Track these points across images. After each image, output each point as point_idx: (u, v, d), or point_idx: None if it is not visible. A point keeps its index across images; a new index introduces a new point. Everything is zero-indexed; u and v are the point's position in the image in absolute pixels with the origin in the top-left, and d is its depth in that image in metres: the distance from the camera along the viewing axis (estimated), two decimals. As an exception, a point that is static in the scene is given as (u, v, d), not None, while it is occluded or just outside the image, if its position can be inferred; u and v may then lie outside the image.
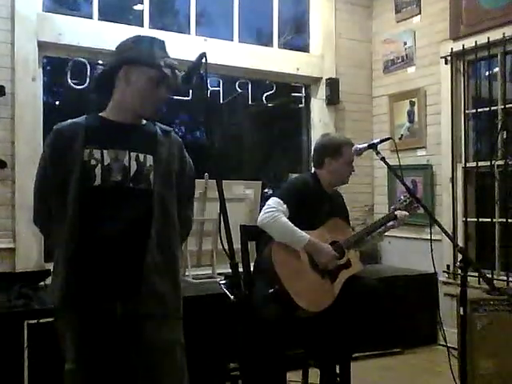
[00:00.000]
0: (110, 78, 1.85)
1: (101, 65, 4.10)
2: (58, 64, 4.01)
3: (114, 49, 3.97)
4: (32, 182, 3.61)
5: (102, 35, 3.89)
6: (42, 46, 3.73)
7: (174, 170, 1.88)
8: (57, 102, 4.45)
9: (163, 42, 1.89)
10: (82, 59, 3.95)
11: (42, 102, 3.80)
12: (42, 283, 3.25)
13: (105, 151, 1.77)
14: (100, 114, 1.88)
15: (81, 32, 3.84)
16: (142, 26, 4.16)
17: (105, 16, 4.02)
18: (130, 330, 1.76)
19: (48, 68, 4.07)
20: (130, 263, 1.76)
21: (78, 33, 3.83)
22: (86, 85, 3.96)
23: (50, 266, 3.37)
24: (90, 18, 3.99)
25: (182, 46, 4.11)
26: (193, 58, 1.75)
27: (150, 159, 1.83)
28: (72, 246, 1.71)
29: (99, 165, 1.75)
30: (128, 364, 1.78)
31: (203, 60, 1.71)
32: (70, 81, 3.94)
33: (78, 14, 4.00)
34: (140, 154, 1.82)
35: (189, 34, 4.37)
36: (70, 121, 1.85)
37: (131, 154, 1.80)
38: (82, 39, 3.84)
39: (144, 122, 1.92)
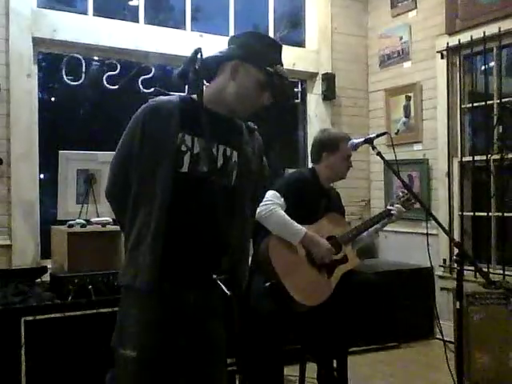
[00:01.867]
0: (215, 64, 1.79)
1: (96, 61, 4.10)
2: (53, 60, 4.00)
3: (109, 45, 4.00)
4: (28, 180, 3.61)
5: (98, 31, 3.88)
6: (37, 42, 3.72)
7: (254, 169, 1.85)
8: (52, 99, 4.44)
9: (280, 46, 1.85)
10: (78, 55, 3.93)
11: (37, 99, 3.78)
12: (38, 280, 3.25)
13: (195, 139, 1.72)
14: (193, 97, 1.79)
15: (76, 28, 3.82)
16: (137, 21, 4.15)
17: (100, 12, 4.00)
18: (196, 321, 1.75)
19: (43, 64, 4.06)
20: (210, 258, 1.74)
21: (73, 29, 3.81)
22: (81, 81, 3.95)
23: (47, 263, 3.43)
24: (85, 13, 3.97)
25: (177, 42, 4.12)
26: (188, 53, 1.74)
27: (235, 155, 1.80)
28: (162, 229, 1.67)
29: (189, 152, 1.71)
30: (185, 355, 1.77)
31: (198, 56, 1.70)
32: (65, 77, 3.92)
33: (73, 10, 3.99)
34: (227, 149, 1.78)
35: (184, 29, 4.36)
36: (165, 98, 1.78)
37: (219, 146, 1.76)
38: (78, 35, 3.83)
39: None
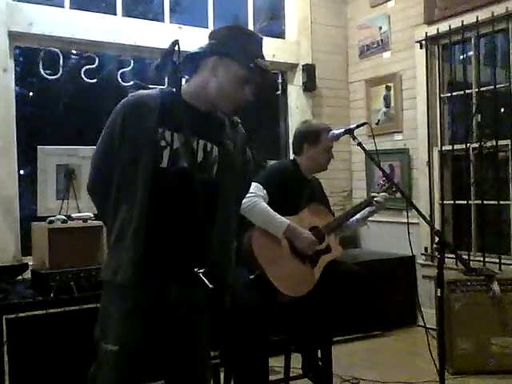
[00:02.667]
0: (196, 60, 1.79)
1: (74, 54, 4.05)
2: (29, 54, 3.94)
3: (86, 38, 3.94)
4: (6, 176, 3.56)
5: (75, 24, 3.83)
6: (12, 36, 3.65)
7: (236, 163, 1.85)
8: (30, 93, 4.37)
9: (261, 38, 1.84)
10: (55, 49, 3.88)
11: (14, 94, 3.72)
12: (19, 277, 3.21)
13: (175, 134, 1.72)
14: (174, 91, 1.79)
15: (52, 21, 3.76)
16: (115, 14, 4.10)
17: (77, 4, 3.94)
18: (178, 316, 1.75)
19: (20, 59, 4.00)
20: (192, 252, 1.74)
21: (49, 22, 3.75)
22: (59, 75, 3.90)
23: (28, 260, 3.39)
24: (62, 6, 3.91)
25: (156, 34, 4.08)
26: (167, 46, 1.73)
27: (215, 150, 1.79)
28: (143, 225, 1.67)
29: (168, 147, 1.71)
30: (168, 347, 1.78)
31: (176, 48, 1.68)
32: (42, 71, 3.87)
33: (49, 3, 3.92)
34: (208, 143, 1.78)
35: (163, 21, 4.32)
36: (145, 93, 1.77)
37: (200, 141, 1.76)
38: (54, 28, 3.77)
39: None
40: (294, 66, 4.88)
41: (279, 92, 4.95)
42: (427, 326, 2.73)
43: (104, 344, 1.70)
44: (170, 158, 1.71)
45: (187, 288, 1.74)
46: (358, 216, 3.01)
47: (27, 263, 3.31)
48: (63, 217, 3.28)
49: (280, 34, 4.96)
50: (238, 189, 1.90)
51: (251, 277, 2.60)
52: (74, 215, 3.33)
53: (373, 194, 3.02)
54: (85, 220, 3.28)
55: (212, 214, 1.76)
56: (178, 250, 1.72)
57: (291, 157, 3.10)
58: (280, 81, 4.93)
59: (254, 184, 2.76)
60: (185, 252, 1.73)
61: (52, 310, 2.90)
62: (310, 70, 4.82)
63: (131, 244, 1.67)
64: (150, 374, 1.75)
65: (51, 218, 3.23)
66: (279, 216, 2.69)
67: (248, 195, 2.68)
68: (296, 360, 3.04)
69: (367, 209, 3.00)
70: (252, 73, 1.73)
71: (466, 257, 4.03)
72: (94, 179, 1.83)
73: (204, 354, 1.84)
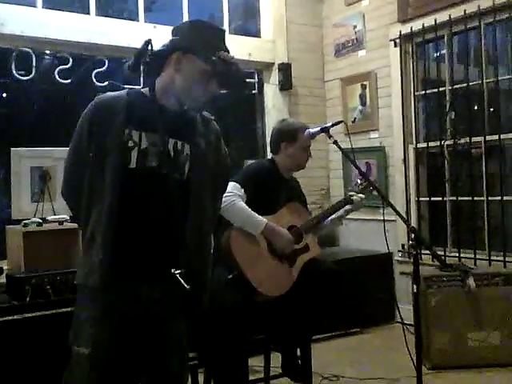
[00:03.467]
0: (161, 58, 1.77)
1: (48, 54, 3.99)
2: (1, 55, 3.86)
3: (59, 38, 3.88)
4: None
5: (47, 24, 3.77)
6: (-17, 36, 3.60)
7: (209, 161, 1.83)
8: (3, 95, 4.30)
9: (223, 31, 1.82)
10: (27, 49, 3.82)
11: (-14, 95, 3.67)
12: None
13: (143, 134, 1.70)
14: (142, 91, 1.79)
15: (24, 21, 3.70)
16: (88, 13, 4.05)
17: (49, 4, 3.89)
18: (152, 318, 1.74)
19: (-8, 59, 3.93)
20: (164, 252, 1.73)
21: (21, 21, 3.69)
22: (32, 75, 3.84)
23: (2, 264, 3.33)
24: (34, 6, 3.85)
25: (131, 34, 4.05)
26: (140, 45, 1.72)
27: (187, 148, 1.78)
28: (112, 227, 1.66)
29: (136, 148, 1.69)
30: (143, 349, 1.77)
31: (149, 47, 1.67)
32: (15, 72, 3.81)
33: (21, 2, 3.85)
34: (178, 142, 1.76)
35: (138, 21, 4.28)
36: (111, 94, 1.76)
37: (169, 140, 1.74)
38: (26, 28, 3.71)
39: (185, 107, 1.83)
40: (269, 65, 4.89)
41: (255, 91, 4.95)
42: (405, 322, 2.76)
43: (76, 347, 1.69)
44: (139, 159, 1.70)
45: (159, 289, 1.73)
46: (334, 215, 3.03)
47: (2, 267, 3.25)
48: (38, 220, 3.23)
49: (256, 33, 4.96)
50: (214, 186, 1.88)
51: (229, 276, 2.60)
52: (49, 218, 3.28)
53: (350, 194, 3.04)
54: (61, 222, 3.23)
55: (185, 213, 1.74)
56: (148, 251, 1.71)
57: (269, 156, 3.10)
58: (256, 80, 4.94)
59: (231, 183, 2.75)
60: (156, 253, 1.72)
61: (28, 315, 2.86)
62: (285, 69, 4.83)
63: (100, 247, 1.66)
64: (127, 378, 1.74)
65: (26, 221, 3.18)
66: (257, 215, 2.69)
67: (226, 195, 2.67)
68: (275, 359, 3.05)
69: (344, 208, 3.02)
70: (216, 66, 1.72)
71: (441, 253, 4.08)
72: (66, 183, 1.82)
73: (180, 355, 1.82)
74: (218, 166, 1.89)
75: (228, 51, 1.76)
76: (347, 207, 3.01)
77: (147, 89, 1.78)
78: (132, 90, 1.80)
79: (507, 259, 3.76)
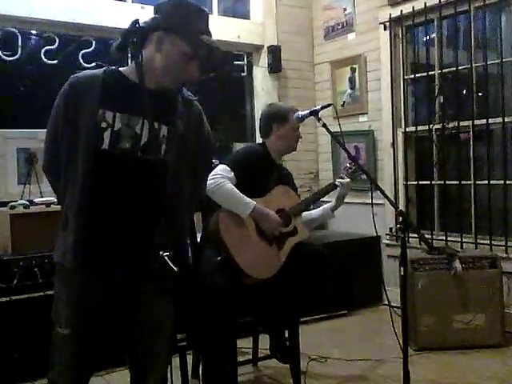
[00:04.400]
0: (143, 36, 1.72)
1: (34, 35, 3.93)
2: (-14, 35, 3.80)
3: (45, 17, 3.82)
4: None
5: (32, 3, 3.71)
6: (-33, 15, 3.53)
7: (189, 142, 1.80)
8: (-12, 76, 4.24)
9: (207, 14, 1.79)
10: (13, 29, 3.76)
11: (-29, 76, 3.61)
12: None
13: (118, 115, 1.67)
14: (121, 70, 1.76)
15: (9, 0, 3.64)
16: (75, -8, 3.99)
17: (35, -18, 3.82)
18: (130, 298, 1.74)
19: (-24, 40, 3.86)
20: (138, 237, 1.72)
21: (6, 1, 3.62)
22: (18, 56, 3.79)
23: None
24: (19, -15, 3.79)
25: (118, 14, 4.00)
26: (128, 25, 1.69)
27: (164, 129, 1.74)
28: (83, 209, 1.65)
29: (109, 129, 1.67)
30: (124, 328, 1.78)
31: (137, 27, 1.65)
32: (0, 52, 3.75)
33: (5, -19, 3.79)
34: (154, 123, 1.72)
35: (125, 1, 4.23)
36: (87, 73, 1.74)
37: (145, 121, 1.71)
38: (11, 8, 3.64)
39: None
40: (259, 48, 4.85)
41: (244, 73, 4.92)
42: (392, 305, 2.80)
43: (58, 328, 1.71)
44: (111, 140, 1.67)
45: (137, 271, 1.73)
46: (326, 207, 3.04)
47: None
48: (25, 202, 3.21)
49: (245, 15, 4.91)
50: (196, 166, 1.86)
51: (218, 258, 2.60)
52: (36, 200, 3.26)
53: (340, 180, 3.03)
54: (48, 205, 3.22)
55: (160, 194, 1.72)
56: (121, 233, 1.70)
57: (258, 139, 3.09)
58: (245, 62, 4.91)
59: (221, 166, 2.75)
60: (129, 235, 1.71)
61: (16, 297, 2.86)
62: (275, 52, 4.80)
63: (72, 228, 1.66)
64: (113, 360, 1.76)
65: (13, 204, 3.16)
66: (245, 197, 2.69)
67: (214, 177, 2.67)
68: (264, 341, 3.07)
69: (334, 198, 3.02)
70: (197, 49, 1.70)
71: (429, 236, 4.12)
72: (46, 162, 1.82)
73: (162, 335, 1.82)
74: (201, 147, 1.87)
75: (211, 35, 1.74)
76: (340, 192, 3.00)
77: (126, 68, 1.76)
78: (109, 69, 1.76)
79: (493, 242, 3.80)
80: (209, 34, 1.74)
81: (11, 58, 3.79)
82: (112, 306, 1.73)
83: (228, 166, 2.74)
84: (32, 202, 3.24)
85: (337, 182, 3.00)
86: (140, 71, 1.69)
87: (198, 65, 1.73)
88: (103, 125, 1.66)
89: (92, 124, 1.65)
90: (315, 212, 3.09)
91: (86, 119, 1.66)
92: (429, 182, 4.26)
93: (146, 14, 4.03)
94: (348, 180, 2.99)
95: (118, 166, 1.69)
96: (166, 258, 1.56)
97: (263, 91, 4.86)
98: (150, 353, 1.80)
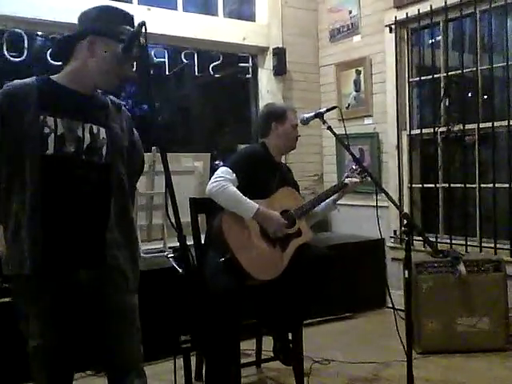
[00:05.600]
0: (71, 44, 1.79)
1: (40, 36, 3.95)
2: (-8, 36, 3.82)
3: (51, 19, 3.83)
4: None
5: (39, 4, 3.72)
6: (-26, 16, 3.55)
7: (124, 144, 1.87)
8: (-6, 76, 4.26)
9: (132, 16, 1.84)
10: (19, 30, 3.78)
11: (-23, 76, 3.63)
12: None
13: (59, 120, 1.71)
14: (52, 78, 1.80)
15: (17, 1, 3.65)
16: (81, -6, 4.00)
17: (41, -16, 3.84)
18: (94, 297, 1.77)
19: (-17, 41, 3.88)
20: (91, 237, 1.77)
21: (13, 2, 3.64)
22: (24, 57, 3.80)
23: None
24: (26, -14, 3.80)
25: (124, 16, 4.00)
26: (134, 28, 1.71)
27: (102, 132, 1.80)
28: (37, 214, 1.67)
29: (52, 134, 1.70)
30: (92, 329, 1.81)
31: (143, 29, 1.66)
32: (6, 53, 3.77)
33: (12, -17, 3.81)
34: (94, 126, 1.78)
35: (131, 3, 4.23)
36: (20, 81, 1.76)
37: (85, 125, 1.76)
38: (18, 9, 3.66)
39: (96, 92, 1.86)
40: (264, 50, 4.85)
41: (250, 75, 4.93)
42: (396, 307, 2.79)
43: (31, 340, 1.72)
44: (56, 144, 1.70)
45: (96, 272, 1.77)
46: (327, 200, 3.03)
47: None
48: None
49: (250, 17, 4.91)
50: (129, 168, 1.90)
51: (220, 260, 2.61)
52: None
53: (346, 175, 3.05)
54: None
55: (107, 195, 1.78)
56: (75, 235, 1.74)
57: (259, 141, 3.09)
58: (250, 64, 4.91)
59: (223, 168, 2.75)
60: (84, 236, 1.75)
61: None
62: (280, 54, 4.80)
63: (27, 235, 1.67)
64: (85, 362, 1.79)
65: None
66: (249, 200, 2.69)
67: (217, 179, 2.68)
68: (267, 343, 3.07)
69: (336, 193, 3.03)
70: (130, 49, 1.73)
71: (433, 239, 4.11)
72: None
73: (131, 332, 1.86)
74: (133, 149, 1.93)
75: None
76: (340, 192, 3.01)
77: (57, 75, 1.80)
78: (40, 77, 1.79)
79: (498, 246, 3.78)
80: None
81: (17, 59, 3.80)
82: (80, 308, 1.76)
83: (230, 167, 2.74)
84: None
85: (347, 181, 2.99)
86: (70, 77, 1.76)
87: (131, 64, 1.81)
88: (46, 130, 1.69)
89: (35, 129, 1.67)
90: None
91: (28, 126, 1.68)
92: (433, 185, 4.25)
93: (152, 15, 4.04)
94: (357, 180, 2.99)
95: (64, 170, 1.73)
96: (171, 259, 1.56)
97: (268, 93, 4.86)
98: (121, 350, 1.83)
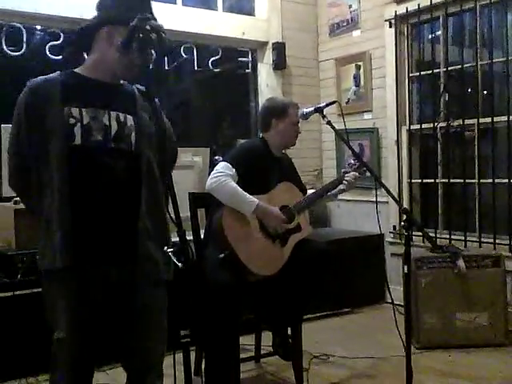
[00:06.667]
0: (90, 34, 1.78)
1: (39, 30, 3.93)
2: (-9, 30, 3.81)
3: (50, 13, 3.82)
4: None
5: (38, -2, 3.71)
6: (-27, 10, 3.53)
7: (153, 132, 1.83)
8: (-7, 70, 4.24)
9: (149, 1, 1.82)
10: (18, 24, 3.76)
11: (-25, 71, 3.61)
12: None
13: (83, 110, 1.70)
14: (75, 71, 1.80)
15: (14, -5, 3.64)
16: (80, -12, 3.98)
17: (40, -22, 3.82)
18: (124, 294, 1.75)
19: (-19, 35, 3.86)
20: (123, 227, 1.74)
21: (11, -4, 3.63)
22: (22, 51, 3.79)
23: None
24: (24, -20, 3.78)
25: (123, 10, 3.98)
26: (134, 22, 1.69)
27: (130, 119, 1.78)
28: (66, 208, 1.66)
29: (78, 124, 1.69)
30: (119, 328, 1.79)
31: (143, 24, 1.65)
32: (5, 47, 3.75)
33: (11, -24, 3.79)
34: (120, 114, 1.77)
35: (130, -3, 4.22)
36: (43, 77, 1.76)
37: (111, 113, 1.75)
38: (17, 3, 3.64)
39: (122, 81, 1.86)
40: (264, 44, 4.84)
41: (249, 70, 4.91)
42: (395, 303, 2.79)
43: (56, 332, 1.71)
44: (83, 134, 1.70)
45: (129, 268, 1.75)
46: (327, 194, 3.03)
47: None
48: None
49: (250, 12, 4.89)
50: (159, 158, 1.87)
51: (220, 255, 2.60)
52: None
53: (344, 171, 3.04)
54: (52, 200, 3.22)
55: (138, 184, 1.75)
56: (106, 224, 1.72)
57: (259, 135, 3.08)
58: (250, 59, 4.90)
59: (223, 163, 2.75)
60: (114, 229, 1.73)
61: (19, 292, 2.86)
62: (280, 49, 4.79)
63: (58, 229, 1.66)
64: (106, 357, 1.77)
65: (17, 199, 3.16)
66: (248, 195, 2.68)
67: (216, 175, 2.67)
68: (266, 338, 3.07)
69: (337, 187, 3.02)
70: (148, 36, 1.70)
71: (432, 234, 4.11)
72: (13, 173, 1.81)
73: (157, 333, 1.84)
74: (164, 137, 1.88)
75: (156, 20, 1.75)
76: (341, 186, 3.00)
77: (79, 68, 1.80)
78: (64, 71, 1.80)
79: (497, 241, 3.78)
80: (155, 19, 1.76)
81: (16, 54, 3.79)
82: (108, 306, 1.74)
83: (229, 162, 2.73)
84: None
85: (345, 178, 2.96)
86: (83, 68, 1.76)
87: (150, 51, 1.74)
88: (71, 121, 1.69)
89: (60, 122, 1.67)
90: None
91: (53, 119, 1.68)
92: (433, 181, 4.25)
93: (153, 9, 4.01)
94: (356, 174, 2.96)
95: (93, 159, 1.71)
96: (170, 254, 1.56)
97: (267, 88, 4.85)
98: (146, 350, 1.81)
